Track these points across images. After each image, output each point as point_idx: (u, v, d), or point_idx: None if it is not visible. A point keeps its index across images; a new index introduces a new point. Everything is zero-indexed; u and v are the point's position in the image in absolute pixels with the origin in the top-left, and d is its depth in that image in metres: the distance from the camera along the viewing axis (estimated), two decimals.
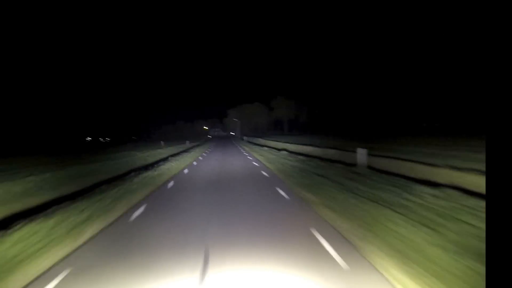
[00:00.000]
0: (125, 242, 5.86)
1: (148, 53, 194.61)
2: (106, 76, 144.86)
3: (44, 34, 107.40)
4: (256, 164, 18.36)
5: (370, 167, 14.77)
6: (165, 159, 24.65)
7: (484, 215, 4.76)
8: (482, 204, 6.55)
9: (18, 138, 71.31)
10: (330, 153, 22.51)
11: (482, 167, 6.78)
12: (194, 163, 20.96)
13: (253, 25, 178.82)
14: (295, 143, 34.70)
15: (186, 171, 16.59)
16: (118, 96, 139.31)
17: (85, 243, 5.87)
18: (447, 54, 56.16)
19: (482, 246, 4.35)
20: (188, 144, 52.94)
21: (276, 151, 28.46)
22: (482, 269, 3.87)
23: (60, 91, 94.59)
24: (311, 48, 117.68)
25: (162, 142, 54.94)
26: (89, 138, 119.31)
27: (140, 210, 8.28)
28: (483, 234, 4.30)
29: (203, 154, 29.77)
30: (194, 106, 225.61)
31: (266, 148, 32.96)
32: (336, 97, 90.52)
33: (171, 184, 12.61)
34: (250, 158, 23.08)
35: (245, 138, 68.31)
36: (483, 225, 5.33)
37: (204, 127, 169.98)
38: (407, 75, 67.20)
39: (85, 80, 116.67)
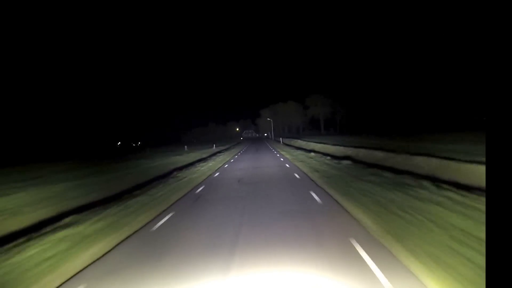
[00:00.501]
0: None
1: (181, 55, 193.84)
2: (140, 80, 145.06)
3: (73, 40, 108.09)
4: (319, 200, 8.58)
5: None
6: (166, 176, 16.41)
7: None
8: None
9: (53, 145, 70.66)
10: (425, 164, 13.27)
11: None
12: (200, 188, 12.01)
13: (285, 21, 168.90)
14: (351, 146, 24.83)
15: (167, 218, 7.72)
16: (151, 99, 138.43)
17: None
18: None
19: None
20: (214, 148, 45.24)
21: (332, 159, 18.76)
22: None
23: (95, 97, 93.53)
24: (346, 43, 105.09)
25: (185, 147, 48.25)
26: (119, 143, 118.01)
27: None
28: None
29: (225, 165, 20.92)
30: (227, 107, 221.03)
31: (313, 154, 23.41)
32: (373, 93, 78.87)
33: None
34: (297, 175, 13.46)
35: (281, 140, 58.43)
36: None
37: (237, 128, 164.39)
38: (446, 69, 57.54)
39: (119, 85, 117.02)
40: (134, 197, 10.57)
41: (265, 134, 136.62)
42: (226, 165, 20.61)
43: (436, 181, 9.68)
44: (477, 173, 9.85)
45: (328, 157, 20.12)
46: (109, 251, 5.69)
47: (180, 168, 19.55)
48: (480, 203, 6.57)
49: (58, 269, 4.98)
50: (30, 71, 73.61)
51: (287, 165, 17.94)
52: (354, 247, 4.97)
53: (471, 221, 5.66)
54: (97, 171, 22.52)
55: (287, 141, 51.99)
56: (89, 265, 5.08)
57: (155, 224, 7.21)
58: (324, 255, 4.73)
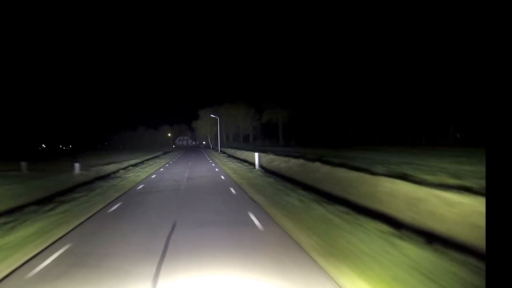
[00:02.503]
0: None
1: (112, 46, 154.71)
2: (68, 77, 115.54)
3: None
4: None
5: None
6: None
7: None
8: None
9: None
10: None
11: None
12: None
13: (232, 6, 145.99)
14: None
15: None
16: (79, 99, 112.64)
17: None
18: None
19: None
20: (77, 170, 17.83)
21: None
22: None
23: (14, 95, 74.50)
24: (306, 40, 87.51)
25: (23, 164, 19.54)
26: (43, 145, 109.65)
27: None
28: None
29: None
30: (159, 108, 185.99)
31: None
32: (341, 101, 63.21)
33: None
34: None
35: (258, 161, 20.39)
36: None
37: (169, 134, 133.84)
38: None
39: (44, 84, 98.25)
40: None
41: (204, 142, 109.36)
42: None
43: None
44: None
45: None
46: None
47: None
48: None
49: None
50: None
51: None
52: None
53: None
54: None
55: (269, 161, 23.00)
56: None
57: None
58: None
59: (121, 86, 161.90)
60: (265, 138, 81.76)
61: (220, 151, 49.11)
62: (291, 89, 70.99)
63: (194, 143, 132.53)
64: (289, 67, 79.95)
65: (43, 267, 4.68)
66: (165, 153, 62.15)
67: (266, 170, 18.92)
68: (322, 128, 70.96)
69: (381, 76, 55.01)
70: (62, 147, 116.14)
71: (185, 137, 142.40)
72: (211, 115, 42.32)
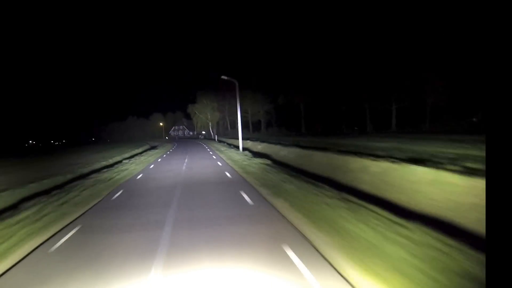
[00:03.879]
0: None
1: (90, 33, 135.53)
2: (55, 71, 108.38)
3: None
4: None
5: None
6: None
7: None
8: None
9: None
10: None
11: None
12: None
13: None
14: None
15: None
16: (68, 93, 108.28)
17: None
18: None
19: None
20: None
21: None
22: None
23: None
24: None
25: None
26: (31, 142, 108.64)
27: None
28: None
29: None
30: (151, 95, 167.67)
31: None
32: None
33: None
34: None
35: None
36: None
37: (161, 123, 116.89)
38: None
39: (30, 78, 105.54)
40: None
41: (203, 132, 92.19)
42: None
43: None
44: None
45: None
46: None
47: None
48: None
49: None
50: None
51: None
52: None
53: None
54: None
55: None
56: None
57: None
58: None
59: (111, 74, 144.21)
60: (281, 126, 64.93)
61: (244, 148, 26.29)
62: (314, 63, 53.55)
63: (191, 133, 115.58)
64: (312, 34, 62.01)
65: None
66: (151, 148, 45.67)
67: None
68: (354, 113, 54.19)
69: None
70: (54, 142, 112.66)
71: (181, 127, 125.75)
72: (223, 77, 24.34)
